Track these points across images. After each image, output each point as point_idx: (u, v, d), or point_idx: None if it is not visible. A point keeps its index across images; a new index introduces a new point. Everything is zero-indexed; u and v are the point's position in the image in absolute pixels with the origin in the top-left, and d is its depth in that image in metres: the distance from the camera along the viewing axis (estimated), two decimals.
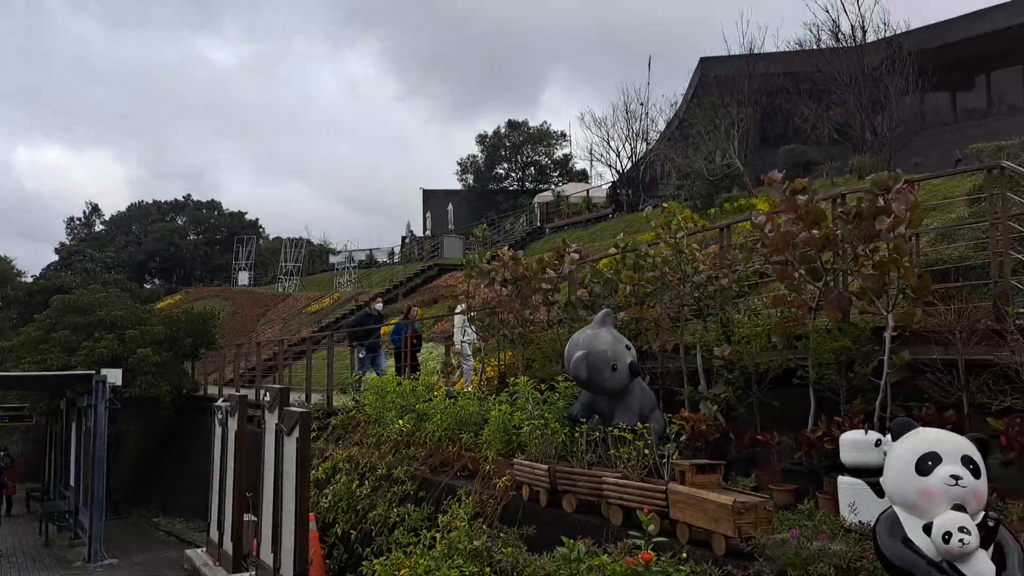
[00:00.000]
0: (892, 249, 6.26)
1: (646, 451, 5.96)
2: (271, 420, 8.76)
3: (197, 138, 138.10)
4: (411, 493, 8.84)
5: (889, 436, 5.42)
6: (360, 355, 14.88)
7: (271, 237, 65.29)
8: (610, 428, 6.57)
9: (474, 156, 55.18)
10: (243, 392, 17.63)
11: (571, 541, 4.51)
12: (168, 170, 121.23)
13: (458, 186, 55.45)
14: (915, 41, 24.84)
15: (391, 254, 47.18)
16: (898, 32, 25.45)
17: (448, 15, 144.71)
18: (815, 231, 6.69)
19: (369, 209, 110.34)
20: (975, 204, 11.56)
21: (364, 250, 48.93)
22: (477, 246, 34.33)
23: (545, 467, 6.80)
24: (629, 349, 7.23)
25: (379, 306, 15.88)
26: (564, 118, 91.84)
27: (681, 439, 7.19)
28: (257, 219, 68.00)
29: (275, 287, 44.11)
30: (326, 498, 10.03)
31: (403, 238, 50.25)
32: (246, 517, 9.82)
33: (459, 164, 56.11)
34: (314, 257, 52.49)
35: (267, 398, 8.82)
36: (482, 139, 54.74)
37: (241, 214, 67.14)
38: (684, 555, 4.50)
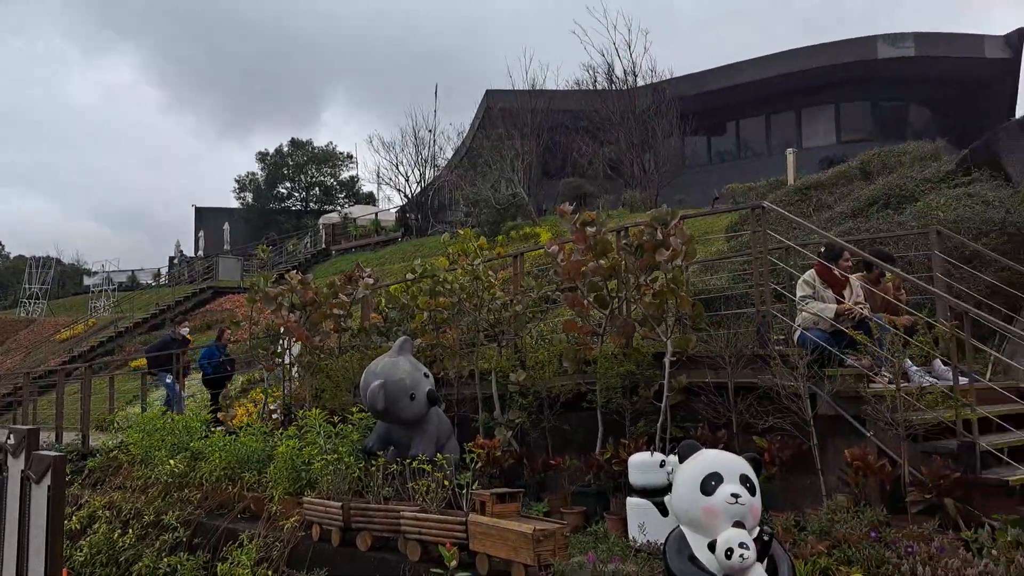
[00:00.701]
0: (670, 279, 6.71)
1: (445, 482, 5.86)
2: (15, 466, 7.56)
3: None
4: (184, 540, 8.05)
5: (672, 457, 5.77)
6: (167, 380, 13.35)
7: (11, 256, 57.78)
8: (408, 460, 6.40)
9: (254, 174, 52.73)
10: None
11: None
12: None
13: (235, 204, 52.63)
14: (678, 88, 27.37)
15: (157, 275, 43.60)
16: (664, 79, 27.90)
17: (216, 26, 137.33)
18: (603, 261, 7.03)
19: (132, 227, 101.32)
20: (732, 240, 12.86)
21: (126, 271, 44.78)
22: (257, 268, 32.66)
23: (338, 504, 6.47)
24: (427, 377, 7.13)
25: (185, 330, 14.36)
26: (349, 139, 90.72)
27: (477, 467, 7.20)
28: None
29: (17, 311, 39.01)
30: (81, 551, 8.87)
31: (172, 258, 46.70)
32: None
33: (237, 181, 53.38)
34: (65, 279, 47.20)
35: (11, 441, 7.61)
36: (263, 156, 52.48)
37: None
38: None
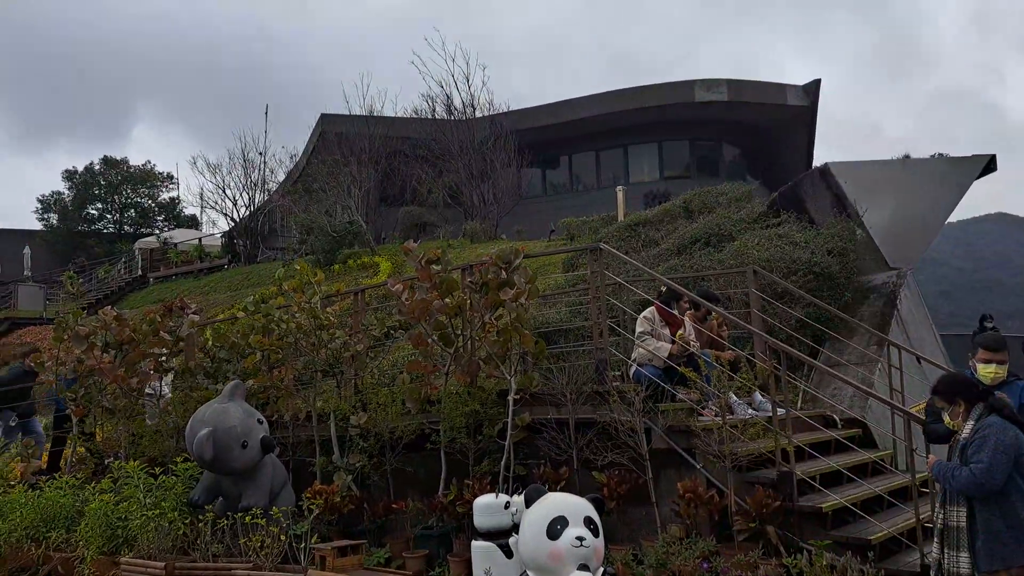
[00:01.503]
0: (514, 318, 6.79)
1: (281, 536, 5.54)
2: None
3: None
4: None
5: (517, 498, 5.79)
6: (11, 423, 11.35)
7: None
8: (240, 513, 6.00)
9: (60, 193, 48.31)
10: None
11: None
12: None
13: (38, 226, 47.96)
14: (514, 121, 28.07)
15: None
16: (500, 111, 28.53)
17: (20, 32, 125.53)
18: (448, 300, 6.99)
19: None
20: (569, 272, 13.29)
21: None
22: (64, 297, 29.84)
23: (161, 564, 5.95)
24: (261, 423, 6.76)
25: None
26: (169, 159, 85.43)
27: (314, 515, 6.88)
28: None
29: None
30: None
31: None
32: None
33: (40, 201, 48.67)
34: None
35: None
36: (71, 175, 48.20)
37: None
38: None
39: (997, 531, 4.06)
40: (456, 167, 26.07)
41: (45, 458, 11.06)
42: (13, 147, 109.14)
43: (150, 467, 7.57)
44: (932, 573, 4.35)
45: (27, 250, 39.35)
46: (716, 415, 6.08)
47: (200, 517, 6.32)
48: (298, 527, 6.02)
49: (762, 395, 7.08)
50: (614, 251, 7.48)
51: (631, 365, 6.98)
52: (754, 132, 31.16)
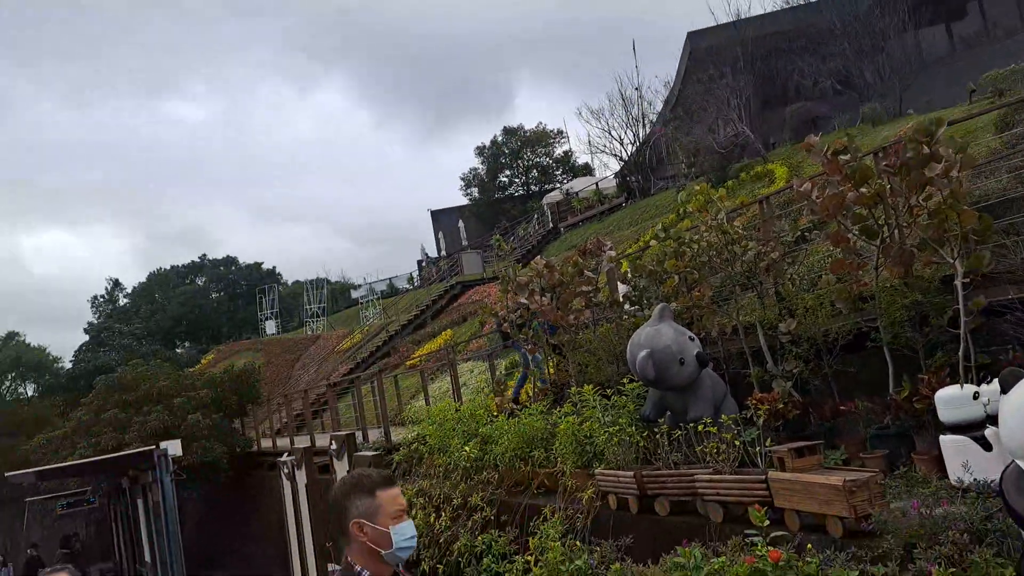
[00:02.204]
0: (948, 195, 6.08)
1: (736, 442, 5.81)
2: (341, 468, 8.70)
3: (187, 197, 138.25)
4: (492, 519, 8.73)
5: (986, 387, 5.27)
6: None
7: (290, 282, 65.66)
8: (691, 423, 6.43)
9: (475, 169, 55.23)
10: (296, 440, 17.66)
11: (684, 549, 4.38)
12: (167, 232, 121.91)
13: (464, 201, 55.49)
14: None
15: (411, 279, 47.22)
16: None
17: (398, 41, 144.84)
18: (864, 189, 6.53)
19: (377, 240, 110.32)
20: (1004, 134, 11.32)
21: (383, 280, 49.10)
22: (496, 257, 34.25)
23: (631, 473, 6.67)
24: (693, 340, 7.10)
25: None
26: (556, 116, 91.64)
27: (761, 420, 7.05)
28: (275, 267, 68.52)
29: (303, 331, 44.29)
30: None
31: (419, 262, 50.30)
32: (330, 568, 9.76)
33: (462, 179, 56.19)
34: (336, 295, 52.65)
35: (333, 446, 8.77)
36: (481, 150, 54.77)
37: (258, 264, 67.63)
38: (808, 545, 4.35)
39: None
40: (841, 48, 23.67)
41: (509, 392, 12.98)
42: (428, 138, 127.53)
43: (600, 390, 8.46)
44: None
45: (460, 223, 46.02)
46: None
47: (655, 430, 6.91)
48: (748, 433, 6.24)
49: None
50: None
51: None
52: None
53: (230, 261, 68.32)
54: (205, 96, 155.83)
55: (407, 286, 45.74)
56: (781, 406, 7.10)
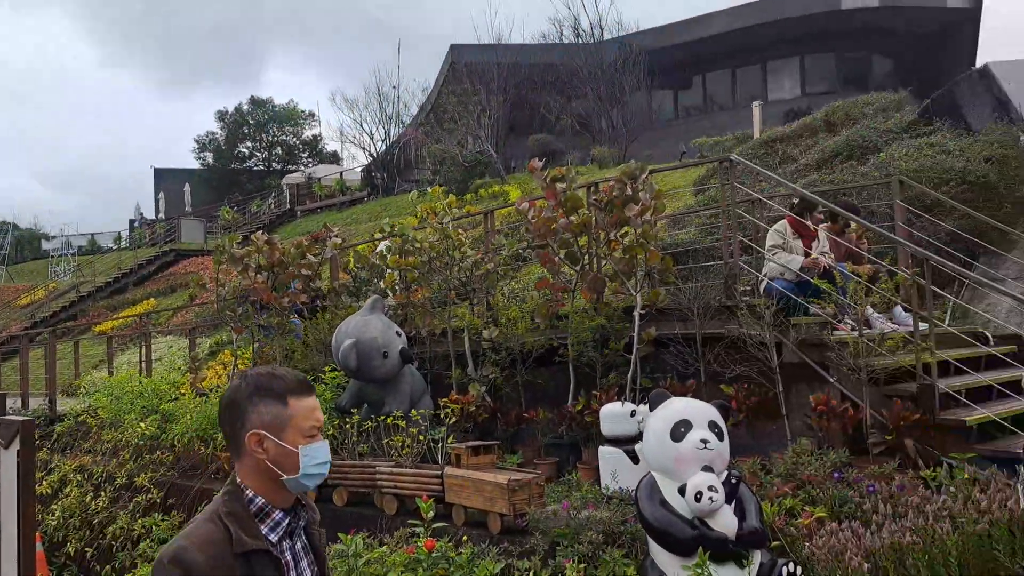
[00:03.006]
0: (639, 234, 6.76)
1: (420, 437, 5.92)
2: None
3: None
4: (158, 502, 8.07)
5: (643, 407, 5.88)
6: None
7: None
8: (381, 416, 6.45)
9: (213, 133, 51.50)
10: None
11: (346, 536, 4.35)
12: None
13: (196, 165, 51.51)
14: (644, 41, 27.14)
15: (118, 239, 42.68)
16: (630, 32, 27.66)
17: None
18: (573, 217, 7.04)
19: (84, 190, 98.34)
20: (700, 194, 12.94)
21: (85, 235, 43.87)
22: (221, 230, 32.14)
23: None
24: (400, 335, 7.15)
25: None
26: (310, 98, 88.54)
27: (451, 422, 7.28)
28: None
29: None
30: (54, 515, 8.85)
31: (132, 221, 45.71)
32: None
33: (197, 141, 52.10)
34: (23, 244, 46.11)
35: None
36: (222, 115, 51.13)
37: None
38: (464, 538, 4.53)
39: None
40: (584, 92, 25.66)
41: (211, 375, 12.18)
42: (164, 90, 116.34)
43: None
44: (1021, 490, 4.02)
45: (187, 187, 42.57)
46: (852, 329, 5.87)
47: (347, 420, 6.83)
48: (436, 431, 6.40)
49: (904, 309, 6.75)
50: (746, 162, 7.23)
51: (762, 280, 6.82)
52: (909, 41, 28.59)
53: None
54: None
55: (112, 245, 41.26)
56: (473, 408, 7.39)
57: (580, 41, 27.59)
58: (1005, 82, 9.19)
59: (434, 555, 4.25)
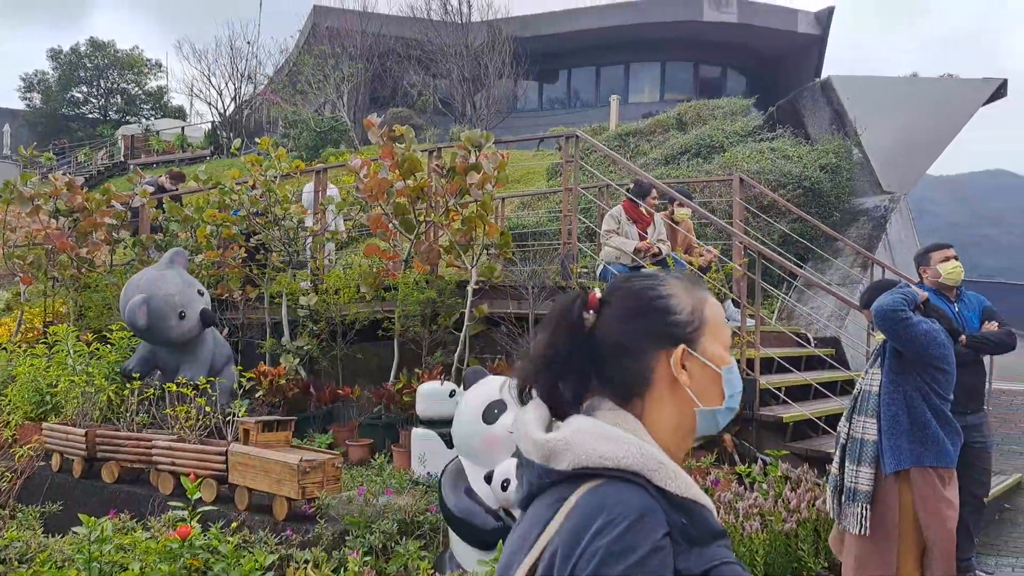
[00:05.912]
0: (480, 205, 6.34)
1: (208, 408, 5.20)
2: None
3: None
4: None
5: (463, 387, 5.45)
6: None
7: None
8: (170, 384, 5.66)
9: (44, 73, 46.59)
10: None
11: (91, 519, 3.62)
12: None
13: (20, 105, 46.45)
14: (512, 28, 26.88)
15: None
16: (499, 17, 27.30)
17: None
18: (410, 181, 6.52)
19: None
20: (552, 180, 12.77)
21: None
22: (41, 176, 29.00)
23: (82, 432, 5.61)
24: (202, 295, 6.33)
25: None
26: (156, 48, 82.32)
27: (257, 395, 6.57)
28: None
29: None
30: None
31: None
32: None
33: (23, 80, 46.95)
34: None
35: None
36: (55, 54, 46.40)
37: None
38: (234, 524, 3.90)
39: (903, 430, 3.61)
40: (449, 71, 25.08)
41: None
42: None
43: (92, 336, 7.20)
44: (830, 491, 3.83)
45: (6, 128, 38.31)
46: None
47: (128, 386, 5.97)
48: (235, 405, 5.69)
49: (735, 304, 6.73)
50: (591, 140, 6.97)
51: (599, 264, 6.59)
52: (761, 59, 30.11)
53: None
54: None
55: None
56: (283, 382, 6.71)
57: (448, 19, 26.93)
58: (844, 96, 9.52)
59: (197, 543, 3.61)
